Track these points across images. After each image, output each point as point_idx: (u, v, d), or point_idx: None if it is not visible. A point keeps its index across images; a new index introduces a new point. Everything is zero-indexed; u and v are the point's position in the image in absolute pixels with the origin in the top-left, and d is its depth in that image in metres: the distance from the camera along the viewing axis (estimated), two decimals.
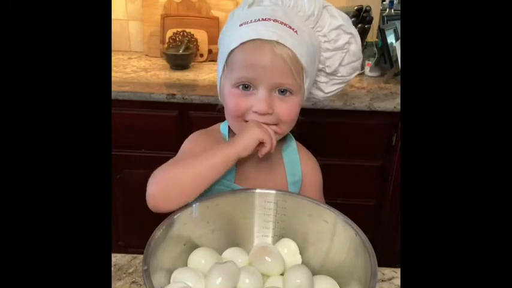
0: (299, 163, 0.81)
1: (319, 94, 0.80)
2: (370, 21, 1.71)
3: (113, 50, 1.95)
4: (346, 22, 0.73)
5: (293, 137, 0.83)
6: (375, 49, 1.81)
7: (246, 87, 0.70)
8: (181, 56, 1.78)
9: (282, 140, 0.81)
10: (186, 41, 1.83)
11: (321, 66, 0.75)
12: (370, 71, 1.80)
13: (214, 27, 1.88)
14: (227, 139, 0.78)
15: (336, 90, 0.79)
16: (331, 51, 0.73)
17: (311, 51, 0.70)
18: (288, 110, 0.71)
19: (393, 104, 1.51)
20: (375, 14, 1.84)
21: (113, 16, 1.95)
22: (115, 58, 1.92)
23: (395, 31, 1.85)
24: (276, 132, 0.72)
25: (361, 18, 1.69)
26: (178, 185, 0.65)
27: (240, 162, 0.74)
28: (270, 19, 0.67)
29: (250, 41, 0.67)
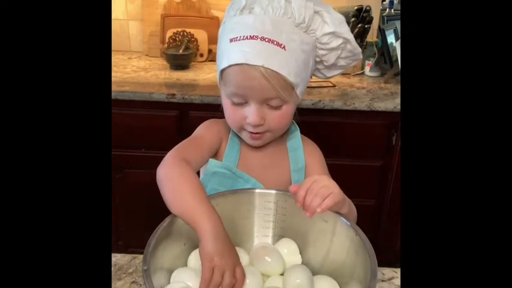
0: (302, 149, 0.85)
1: (321, 77, 0.83)
2: (370, 21, 1.71)
3: (113, 50, 1.95)
4: (339, 28, 0.73)
5: (297, 127, 0.87)
6: (375, 49, 1.80)
7: (239, 102, 0.74)
8: (181, 56, 1.78)
9: (287, 130, 0.85)
10: (186, 41, 1.83)
11: (318, 59, 0.77)
12: (370, 71, 1.80)
13: (214, 27, 1.88)
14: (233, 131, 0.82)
15: (337, 74, 0.83)
16: (326, 50, 0.76)
17: (302, 59, 0.72)
18: (278, 119, 0.75)
19: (393, 104, 1.51)
20: (375, 14, 1.84)
21: (113, 16, 1.95)
22: (115, 58, 1.92)
23: (395, 31, 1.84)
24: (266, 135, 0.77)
25: (361, 18, 1.69)
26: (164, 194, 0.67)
27: (244, 150, 0.81)
28: (257, 37, 0.68)
29: (238, 64, 0.69)
